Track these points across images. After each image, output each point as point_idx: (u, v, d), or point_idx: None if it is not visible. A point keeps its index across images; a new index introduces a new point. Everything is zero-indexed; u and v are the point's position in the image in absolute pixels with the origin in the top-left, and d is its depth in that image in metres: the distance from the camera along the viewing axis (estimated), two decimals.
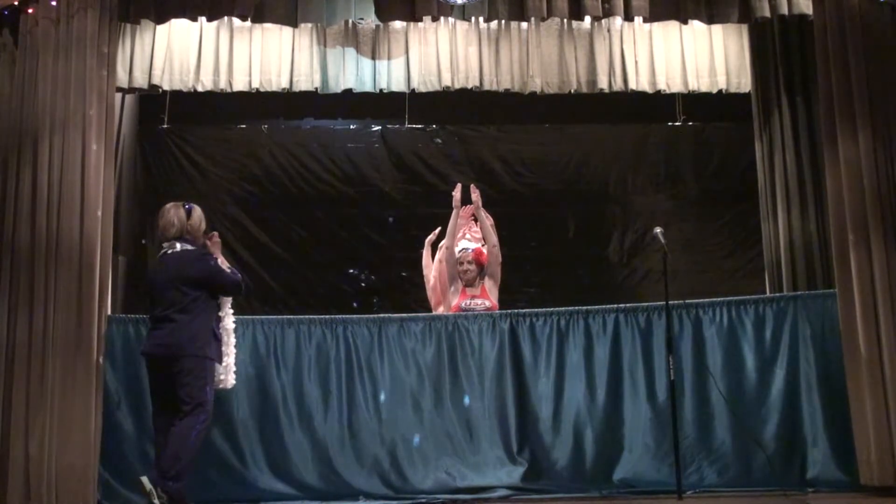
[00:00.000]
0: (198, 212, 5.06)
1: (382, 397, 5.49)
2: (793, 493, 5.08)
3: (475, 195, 6.19)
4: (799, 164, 6.55)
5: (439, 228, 6.54)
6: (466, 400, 5.50)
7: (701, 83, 6.98)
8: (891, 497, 4.87)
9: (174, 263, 4.89)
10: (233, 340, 5.01)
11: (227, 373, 4.95)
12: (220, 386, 4.94)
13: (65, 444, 5.08)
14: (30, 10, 5.50)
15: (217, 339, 4.89)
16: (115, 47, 5.75)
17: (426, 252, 6.56)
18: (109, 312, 5.64)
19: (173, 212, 4.99)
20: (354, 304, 7.73)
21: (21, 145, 5.40)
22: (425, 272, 6.55)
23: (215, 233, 5.17)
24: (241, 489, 5.29)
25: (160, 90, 6.77)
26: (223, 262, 5.01)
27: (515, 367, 5.55)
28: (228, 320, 5.00)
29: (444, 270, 6.20)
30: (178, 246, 4.92)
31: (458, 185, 6.27)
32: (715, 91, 7.03)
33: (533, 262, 7.87)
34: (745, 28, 6.77)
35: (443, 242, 6.33)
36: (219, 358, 4.89)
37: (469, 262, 6.05)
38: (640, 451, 5.38)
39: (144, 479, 4.63)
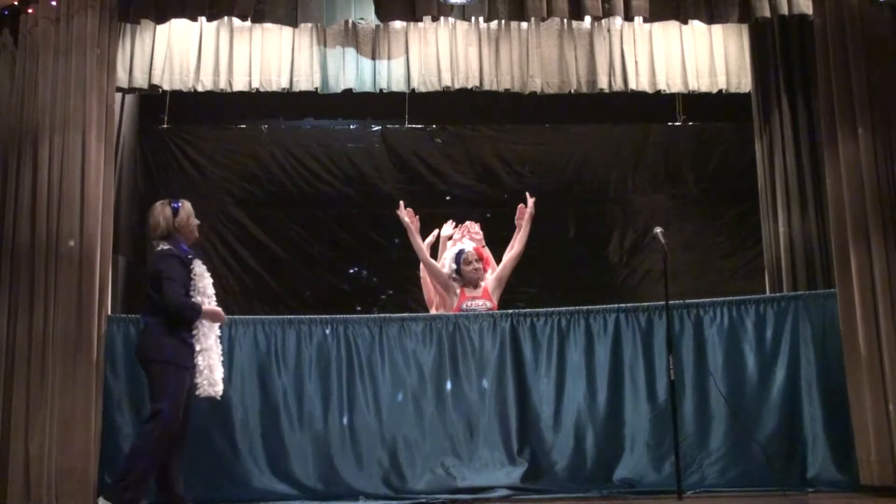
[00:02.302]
0: (185, 209, 4.91)
1: (383, 398, 5.49)
2: (793, 493, 5.08)
3: (531, 202, 6.22)
4: (799, 164, 6.55)
5: (437, 231, 6.53)
6: (448, 385, 5.47)
7: (701, 83, 6.98)
8: (891, 497, 4.87)
9: (150, 260, 4.85)
10: (212, 346, 4.78)
11: (215, 383, 4.75)
12: (208, 395, 4.74)
13: (65, 445, 5.08)
14: (30, 10, 5.51)
15: (187, 344, 4.68)
16: (115, 47, 5.75)
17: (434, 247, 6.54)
18: (109, 312, 5.64)
19: (159, 210, 4.88)
20: (358, 308, 7.72)
21: (21, 145, 5.40)
22: (423, 274, 6.53)
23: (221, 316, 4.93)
24: (241, 489, 5.29)
25: (160, 90, 6.77)
26: (204, 286, 4.77)
27: (516, 367, 5.54)
28: (210, 340, 4.78)
29: (440, 291, 6.18)
30: (161, 245, 4.82)
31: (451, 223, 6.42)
32: (715, 91, 7.04)
33: (533, 262, 7.85)
34: (745, 28, 6.77)
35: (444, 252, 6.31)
36: (187, 363, 4.66)
37: (477, 261, 6.03)
38: (640, 451, 5.38)
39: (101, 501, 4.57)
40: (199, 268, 4.83)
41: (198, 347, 4.72)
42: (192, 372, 4.71)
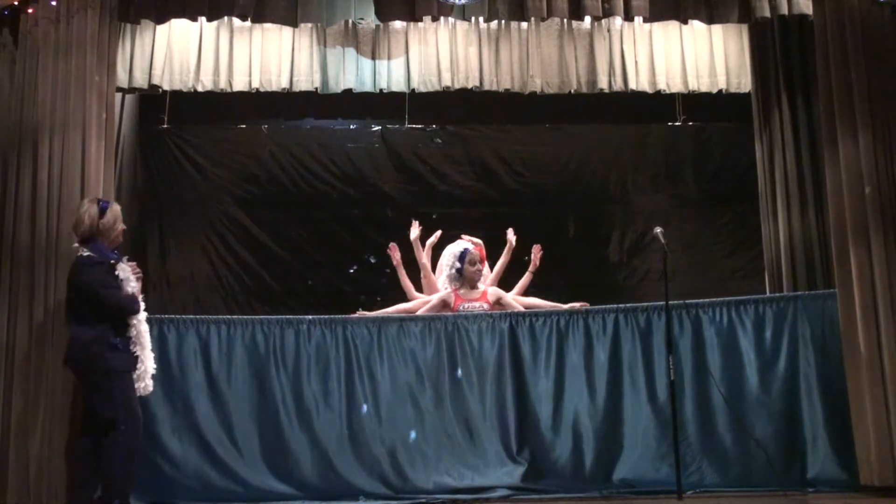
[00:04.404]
0: (113, 210, 4.83)
1: (382, 397, 5.49)
2: (793, 493, 5.08)
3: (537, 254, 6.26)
4: (799, 164, 6.56)
5: (440, 231, 6.53)
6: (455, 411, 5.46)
7: (701, 83, 6.99)
8: (891, 497, 4.88)
9: (71, 268, 4.79)
10: (147, 343, 4.76)
11: (144, 378, 4.71)
12: (138, 394, 4.71)
13: (65, 445, 5.07)
14: (30, 10, 5.50)
15: (118, 349, 4.63)
16: (115, 47, 5.74)
17: (425, 252, 6.52)
18: None
19: (86, 207, 4.81)
20: (360, 309, 7.69)
21: (21, 145, 5.40)
22: (423, 275, 6.50)
23: (133, 264, 4.91)
24: (241, 489, 5.28)
25: (160, 90, 6.79)
26: (131, 288, 4.73)
27: (515, 368, 5.54)
28: (142, 326, 4.75)
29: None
30: (81, 251, 4.74)
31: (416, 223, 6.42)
32: (715, 91, 7.05)
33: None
34: (745, 28, 6.78)
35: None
36: (128, 366, 4.66)
37: (480, 262, 6.03)
38: (640, 451, 5.37)
39: None
40: (123, 272, 4.76)
41: (137, 350, 4.70)
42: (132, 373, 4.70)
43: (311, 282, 8.00)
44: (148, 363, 4.77)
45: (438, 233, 6.49)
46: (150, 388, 4.79)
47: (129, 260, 4.88)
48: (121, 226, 4.88)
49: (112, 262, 4.74)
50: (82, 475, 4.69)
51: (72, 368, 4.77)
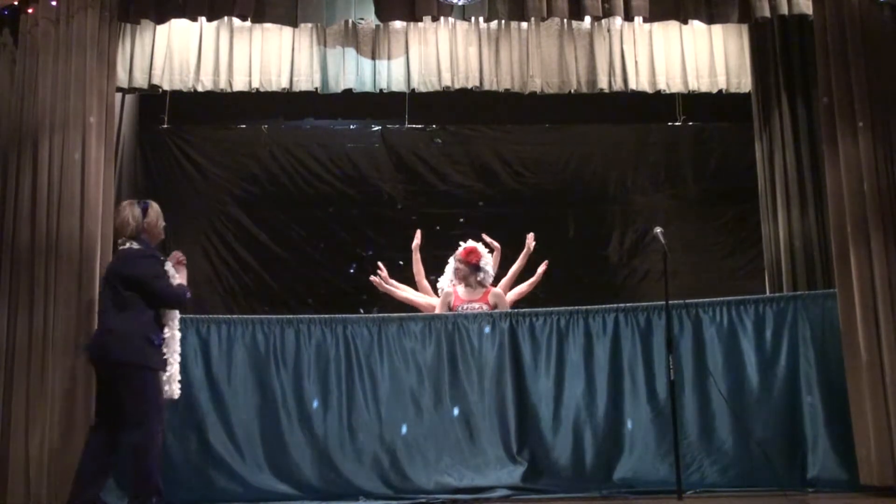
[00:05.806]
0: (154, 209, 4.88)
1: (382, 397, 5.49)
2: (793, 493, 5.08)
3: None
4: (799, 164, 6.56)
5: (419, 231, 6.55)
6: (455, 411, 5.46)
7: (701, 83, 6.99)
8: (891, 497, 4.88)
9: (118, 260, 4.81)
10: (178, 348, 4.78)
11: (171, 382, 4.71)
12: (165, 396, 4.69)
13: (65, 444, 5.07)
14: (30, 10, 5.50)
15: (154, 346, 4.64)
16: (115, 47, 5.74)
17: (415, 258, 6.52)
18: None
19: (128, 210, 4.84)
20: (361, 310, 7.71)
21: (21, 145, 5.40)
22: (417, 278, 6.51)
23: (178, 252, 5.00)
24: (241, 489, 5.28)
25: (160, 90, 6.79)
26: (180, 277, 4.82)
27: (515, 367, 5.54)
28: (175, 330, 4.77)
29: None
30: (128, 244, 4.77)
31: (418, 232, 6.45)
32: (715, 91, 7.05)
33: (532, 261, 7.87)
34: (745, 28, 6.78)
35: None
36: (160, 366, 4.65)
37: (458, 261, 6.06)
38: (640, 451, 5.38)
39: None
40: (170, 268, 4.82)
41: (166, 350, 4.71)
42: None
43: (311, 282, 8.01)
44: (175, 368, 4.75)
45: (419, 232, 6.51)
46: (178, 393, 4.78)
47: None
48: (163, 222, 4.92)
49: (162, 258, 4.81)
50: (90, 470, 4.66)
51: (97, 359, 4.70)
